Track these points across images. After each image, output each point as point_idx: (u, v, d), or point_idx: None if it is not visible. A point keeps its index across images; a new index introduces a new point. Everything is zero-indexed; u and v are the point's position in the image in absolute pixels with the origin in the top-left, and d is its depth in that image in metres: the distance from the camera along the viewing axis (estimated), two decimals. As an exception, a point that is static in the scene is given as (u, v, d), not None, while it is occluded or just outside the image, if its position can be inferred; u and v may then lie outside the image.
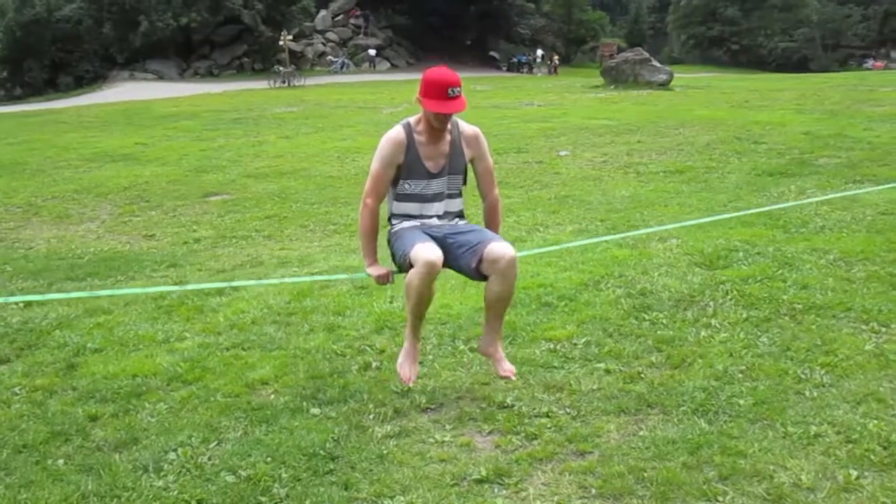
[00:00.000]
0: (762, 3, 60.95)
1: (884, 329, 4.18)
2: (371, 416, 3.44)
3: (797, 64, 54.31)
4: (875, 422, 3.22)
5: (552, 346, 4.17)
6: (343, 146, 12.95)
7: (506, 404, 3.52)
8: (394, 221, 3.65)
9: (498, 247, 3.38)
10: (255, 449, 3.17)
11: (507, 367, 3.64)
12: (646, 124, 13.98)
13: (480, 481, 2.92)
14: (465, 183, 3.71)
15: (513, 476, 2.94)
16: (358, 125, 15.86)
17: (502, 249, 3.38)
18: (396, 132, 3.50)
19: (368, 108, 19.66)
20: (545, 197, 8.37)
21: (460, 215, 3.72)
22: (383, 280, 3.65)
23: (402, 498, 2.81)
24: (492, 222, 3.75)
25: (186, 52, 40.81)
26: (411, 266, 3.37)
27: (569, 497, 2.80)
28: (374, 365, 4.01)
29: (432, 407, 3.54)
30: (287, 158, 11.98)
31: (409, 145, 3.49)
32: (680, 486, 2.81)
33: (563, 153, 11.35)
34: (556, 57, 47.56)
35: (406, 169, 3.52)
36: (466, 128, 3.66)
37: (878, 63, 52.96)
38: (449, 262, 3.49)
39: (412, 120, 3.55)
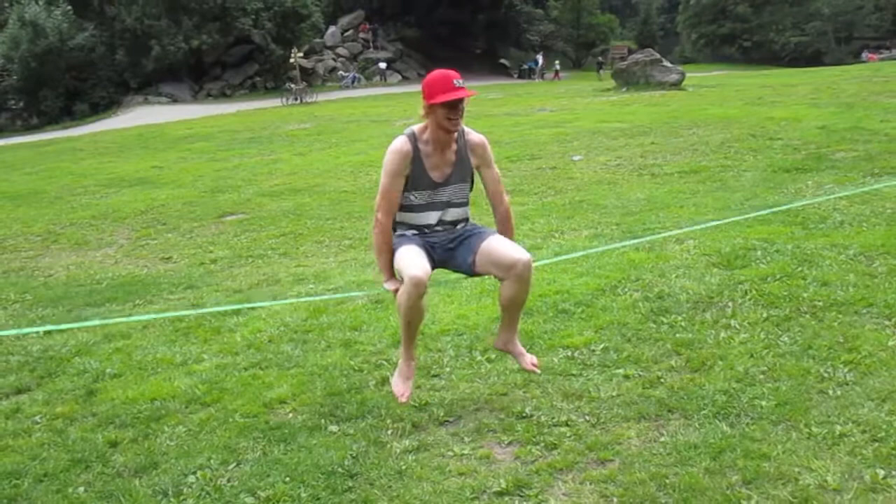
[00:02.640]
0: (773, -2, 60.66)
1: (908, 323, 4.11)
2: (389, 432, 3.42)
3: (810, 58, 53.90)
4: (902, 419, 3.16)
5: (570, 353, 4.14)
6: (356, 160, 12.98)
7: (525, 414, 3.49)
8: (398, 231, 3.61)
9: (511, 252, 3.38)
10: (274, 469, 3.16)
11: (530, 360, 3.65)
12: (659, 125, 13.90)
13: (501, 494, 2.89)
14: (471, 189, 3.68)
15: (533, 487, 2.91)
16: (371, 139, 15.90)
17: (516, 254, 3.37)
18: (401, 143, 3.43)
19: (381, 121, 19.71)
20: (560, 203, 8.34)
21: (465, 221, 3.68)
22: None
23: (422, 514, 2.78)
24: (505, 232, 3.68)
25: (199, 74, 41.15)
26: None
27: (590, 507, 2.77)
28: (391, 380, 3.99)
29: (450, 420, 3.52)
30: (301, 175, 12.02)
31: (415, 156, 3.42)
32: (703, 492, 2.77)
33: (576, 158, 11.31)
34: (556, 62, 47.26)
35: (412, 180, 3.45)
36: (473, 136, 3.60)
37: (872, 55, 52.36)
38: (450, 267, 3.60)
39: (416, 129, 3.46)
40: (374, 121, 19.88)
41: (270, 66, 41.18)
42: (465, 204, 3.65)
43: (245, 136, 18.26)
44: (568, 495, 2.85)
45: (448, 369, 4.08)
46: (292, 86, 33.51)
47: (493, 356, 4.17)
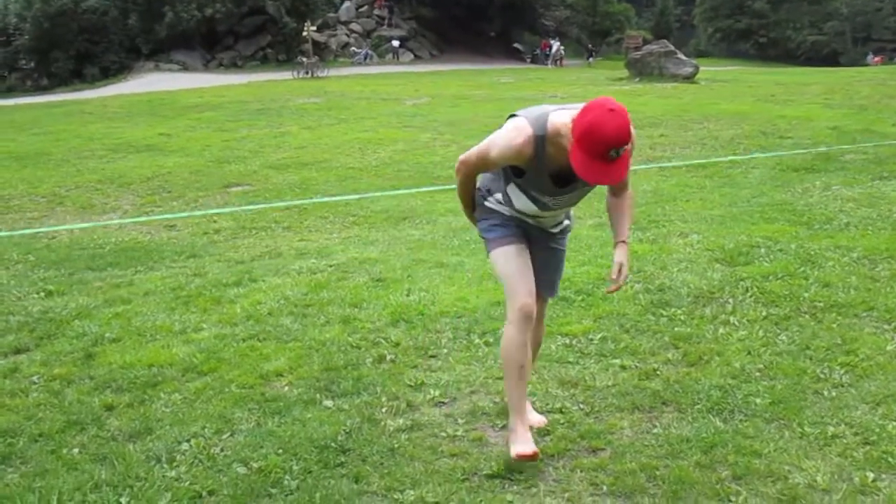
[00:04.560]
0: (792, -5, 60.15)
1: (906, 327, 4.11)
2: (384, 410, 3.44)
3: (826, 58, 53.53)
4: (894, 423, 3.17)
5: (568, 341, 4.15)
6: (365, 137, 12.95)
7: (519, 399, 3.50)
8: (486, 191, 3.05)
9: (550, 299, 3.35)
10: (268, 440, 3.18)
11: (536, 419, 3.23)
12: (670, 118, 13.85)
13: (491, 477, 2.91)
14: None
15: (524, 472, 2.92)
16: (380, 117, 15.85)
17: (547, 302, 3.33)
18: (524, 143, 2.72)
19: (391, 99, 19.65)
20: (566, 190, 8.32)
21: (568, 220, 3.19)
22: None
23: (412, 492, 2.80)
24: (622, 218, 3.02)
25: (211, 43, 40.96)
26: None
27: (579, 494, 2.78)
28: (388, 357, 4.01)
29: (445, 401, 3.54)
30: (309, 150, 12.00)
31: (537, 160, 2.76)
32: (692, 486, 2.78)
33: (584, 146, 11.26)
34: (560, 47, 46.41)
35: (523, 178, 2.86)
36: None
37: (877, 58, 51.96)
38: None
39: (550, 129, 2.70)
40: (384, 99, 19.81)
41: (283, 39, 40.97)
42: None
43: (254, 107, 18.22)
44: (558, 482, 2.87)
45: (445, 351, 4.09)
46: (304, 59, 33.36)
47: (490, 339, 4.18)
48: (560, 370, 3.80)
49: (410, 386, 3.68)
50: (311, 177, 9.87)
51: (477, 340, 4.20)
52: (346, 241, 6.63)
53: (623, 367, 3.80)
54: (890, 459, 2.93)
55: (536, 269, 3.01)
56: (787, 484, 2.79)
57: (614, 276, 2.93)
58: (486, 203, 3.05)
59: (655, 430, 3.20)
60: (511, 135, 2.77)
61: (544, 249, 3.11)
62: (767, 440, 3.08)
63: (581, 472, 2.92)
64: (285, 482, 2.88)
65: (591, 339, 4.15)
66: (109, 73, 37.63)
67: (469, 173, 3.01)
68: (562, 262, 3.22)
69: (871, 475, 2.83)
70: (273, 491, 2.84)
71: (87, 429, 3.35)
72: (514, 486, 2.85)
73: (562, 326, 4.33)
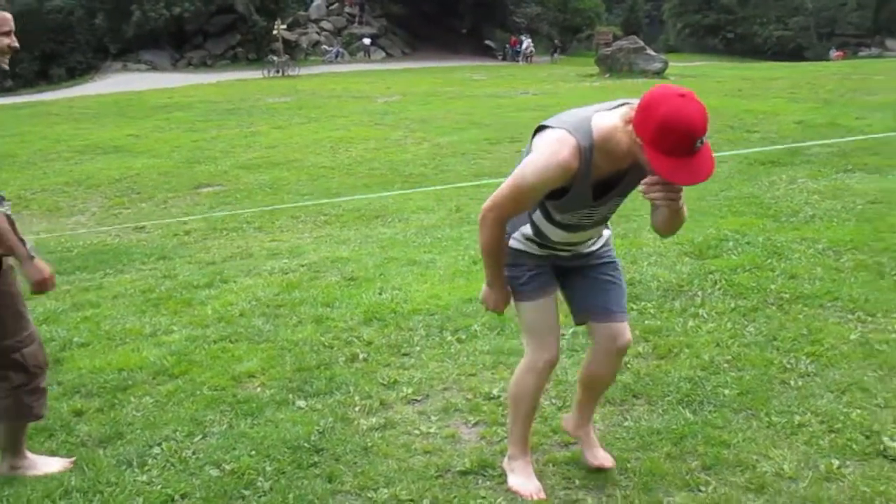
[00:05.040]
0: (758, -9, 60.80)
1: (870, 318, 4.19)
2: (357, 409, 3.44)
3: (792, 52, 54.12)
4: (858, 411, 3.23)
5: (539, 336, 4.17)
6: (336, 136, 12.92)
7: (492, 395, 3.52)
8: (515, 237, 2.66)
9: (619, 326, 2.69)
10: (240, 442, 3.17)
11: (602, 456, 2.90)
12: (639, 113, 13.94)
13: (465, 473, 2.92)
14: None
15: (497, 468, 2.94)
16: (352, 115, 15.82)
17: (623, 330, 2.70)
18: (569, 157, 2.30)
19: (363, 97, 19.61)
20: (537, 187, 8.35)
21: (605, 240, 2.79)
22: (497, 308, 2.73)
23: (385, 490, 2.81)
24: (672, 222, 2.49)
25: (180, 43, 40.59)
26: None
27: (552, 488, 2.81)
28: (361, 356, 4.01)
29: (418, 398, 3.55)
30: (280, 149, 11.94)
31: (582, 175, 2.35)
32: (663, 477, 2.82)
33: (555, 143, 11.33)
34: (530, 44, 46.52)
35: (565, 198, 2.44)
36: None
37: (839, 53, 52.82)
38: (562, 288, 2.77)
39: (597, 135, 2.30)
40: (355, 97, 19.77)
41: (253, 37, 40.70)
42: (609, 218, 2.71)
43: (224, 107, 18.09)
44: (509, 484, 2.88)
45: (418, 348, 4.10)
46: (275, 58, 33.19)
47: (462, 336, 4.20)
48: (532, 366, 3.82)
49: (383, 384, 3.68)
50: (282, 176, 9.83)
51: (449, 338, 4.22)
52: (317, 240, 6.61)
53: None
54: (854, 446, 2.98)
55: (586, 296, 2.71)
56: (755, 473, 2.83)
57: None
58: (512, 243, 2.65)
59: (626, 423, 3.23)
60: (552, 149, 2.31)
61: (589, 271, 2.72)
62: (736, 430, 3.12)
63: (554, 465, 2.95)
64: (258, 483, 2.88)
65: (563, 335, 4.17)
66: (76, 73, 37.18)
67: (500, 220, 2.47)
68: (616, 277, 2.74)
69: (836, 462, 2.88)
70: (246, 492, 2.83)
71: (55, 435, 3.32)
72: (488, 482, 2.87)
73: (533, 322, 4.35)
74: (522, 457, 2.83)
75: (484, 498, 2.75)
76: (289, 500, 2.75)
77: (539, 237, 2.61)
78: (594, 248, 2.72)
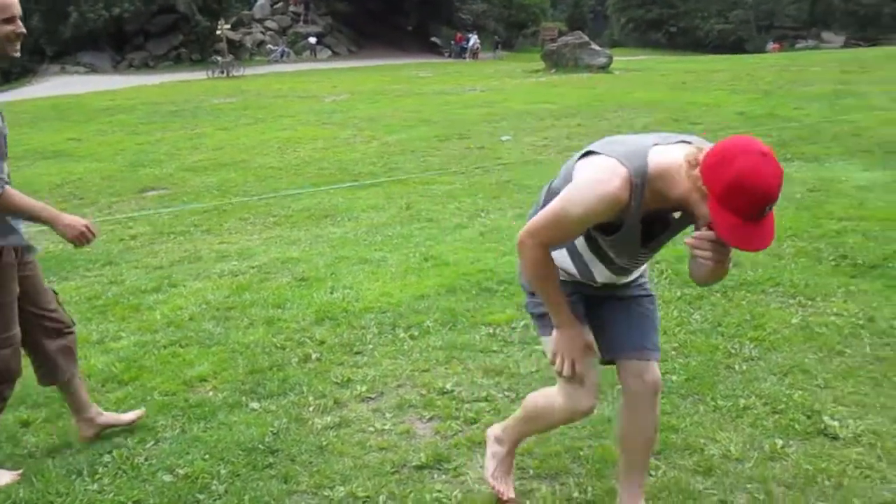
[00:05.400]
0: (699, -15, 61.94)
1: (810, 303, 4.33)
2: (311, 408, 3.44)
3: (733, 45, 55.23)
4: (800, 392, 3.34)
5: (492, 330, 4.22)
6: (284, 136, 12.82)
7: (445, 390, 3.55)
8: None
9: (649, 364, 2.41)
10: (193, 446, 3.15)
11: None
12: (586, 108, 14.13)
13: (420, 468, 2.94)
14: None
15: (452, 461, 2.97)
16: (299, 115, 15.70)
17: (652, 368, 2.41)
18: (621, 188, 2.04)
19: (310, 97, 19.47)
20: (487, 182, 8.41)
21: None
22: (575, 354, 2.33)
23: (342, 488, 2.82)
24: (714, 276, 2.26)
25: (120, 44, 39.80)
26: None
27: (506, 479, 2.84)
28: (314, 356, 4.00)
29: (372, 396, 3.56)
30: (226, 150, 11.80)
31: (631, 210, 2.09)
32: (615, 463, 2.87)
33: (504, 138, 11.41)
34: (473, 39, 46.67)
35: (617, 235, 2.18)
36: None
37: (775, 45, 54.25)
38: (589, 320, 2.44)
39: (652, 171, 2.05)
40: (302, 97, 19.63)
41: (196, 38, 40.11)
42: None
43: (168, 108, 17.80)
44: (486, 468, 2.92)
45: (371, 346, 4.11)
46: (219, 58, 32.79)
47: (415, 333, 4.22)
48: (485, 359, 3.86)
49: (337, 383, 3.69)
50: (229, 178, 9.72)
51: (402, 335, 4.23)
52: (267, 241, 6.56)
53: (546, 354, 3.88)
54: (797, 426, 3.09)
55: (618, 331, 2.43)
56: (703, 456, 2.91)
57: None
58: None
59: (578, 413, 3.28)
60: (600, 177, 2.06)
61: (621, 302, 2.46)
62: (683, 415, 3.20)
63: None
64: (213, 487, 2.86)
65: (514, 328, 4.23)
66: (11, 77, 36.16)
67: (541, 246, 2.20)
68: (653, 311, 2.49)
69: (780, 442, 2.98)
70: (201, 497, 2.81)
71: (1, 447, 3.25)
72: (443, 476, 2.90)
73: (485, 316, 4.40)
74: (509, 451, 2.73)
75: (440, 491, 2.78)
76: (244, 502, 2.75)
77: (580, 273, 2.36)
78: (630, 278, 2.45)
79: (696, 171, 1.95)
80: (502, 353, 3.93)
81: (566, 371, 2.32)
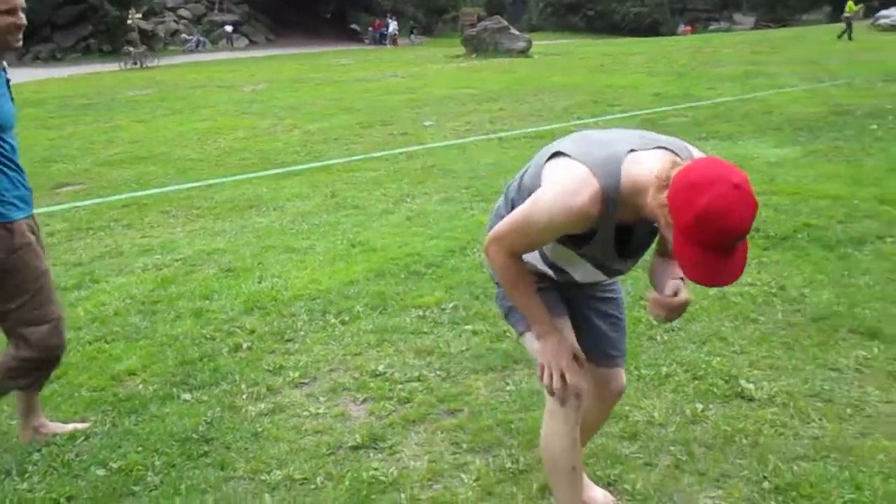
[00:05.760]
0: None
1: (725, 273, 4.52)
2: (244, 396, 3.44)
3: (648, 28, 56.45)
4: (718, 359, 3.51)
5: (421, 312, 4.27)
6: (203, 127, 12.58)
7: (378, 372, 3.60)
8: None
9: (617, 371, 2.37)
10: (126, 440, 3.11)
11: (599, 498, 2.57)
12: (506, 92, 14.28)
13: (356, 448, 2.99)
14: None
15: (387, 440, 3.02)
16: (218, 105, 15.42)
17: (619, 376, 2.39)
18: (590, 203, 1.87)
19: (228, 86, 19.14)
20: (411, 168, 8.45)
21: None
22: (561, 363, 2.13)
23: (278, 472, 2.84)
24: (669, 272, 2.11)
25: (25, 36, 38.23)
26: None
27: (441, 454, 2.91)
28: (244, 346, 3.99)
29: (305, 381, 3.58)
30: (143, 143, 11.52)
31: (603, 224, 1.93)
32: (545, 434, 2.97)
33: (427, 123, 11.46)
34: (392, 26, 46.53)
35: (588, 247, 2.02)
36: None
37: (687, 28, 55.86)
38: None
39: (625, 186, 1.87)
40: (220, 86, 19.27)
41: (106, 28, 38.84)
42: None
43: (80, 101, 17.25)
44: (420, 445, 2.99)
45: (302, 333, 4.12)
46: (131, 49, 31.85)
47: (346, 318, 4.24)
48: (416, 341, 3.92)
49: (269, 371, 3.69)
50: (148, 171, 9.50)
51: (333, 320, 4.26)
52: (191, 234, 6.47)
53: (475, 333, 3.97)
54: (716, 391, 3.24)
55: (584, 336, 2.29)
56: (628, 422, 3.03)
57: (663, 304, 2.01)
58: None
59: (509, 388, 3.38)
60: (569, 188, 1.88)
61: (590, 305, 2.33)
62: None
63: (442, 433, 3.06)
64: (148, 478, 2.84)
65: (444, 309, 4.30)
66: None
67: (507, 252, 2.05)
68: (620, 315, 2.38)
69: (700, 406, 3.13)
70: (136, 488, 2.79)
71: (-77, 450, 3.16)
72: (379, 455, 2.94)
73: (415, 299, 4.45)
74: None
75: (377, 469, 2.82)
76: (181, 492, 2.74)
77: (557, 276, 2.19)
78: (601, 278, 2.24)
79: (664, 196, 1.76)
80: (433, 334, 3.99)
81: (556, 384, 2.13)
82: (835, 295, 4.24)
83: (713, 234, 1.69)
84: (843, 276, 4.50)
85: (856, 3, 32.21)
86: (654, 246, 2.20)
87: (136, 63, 30.53)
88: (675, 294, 2.02)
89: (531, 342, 2.21)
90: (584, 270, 2.13)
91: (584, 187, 1.86)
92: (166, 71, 26.37)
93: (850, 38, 25.49)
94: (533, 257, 2.16)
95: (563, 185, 1.90)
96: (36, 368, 3.02)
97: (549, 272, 2.19)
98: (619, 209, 1.89)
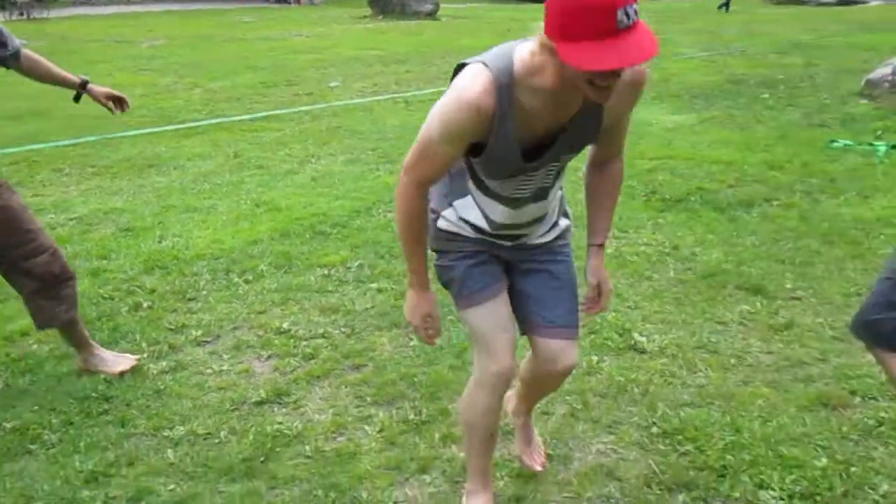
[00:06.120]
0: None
1: (623, 235, 4.72)
2: (145, 355, 3.39)
3: (554, -6, 56.91)
4: (613, 314, 3.66)
5: (326, 271, 4.29)
6: (98, 83, 12.04)
7: (283, 330, 3.61)
8: (444, 215, 2.09)
9: (561, 344, 2.15)
10: (20, 400, 3.04)
11: (534, 457, 2.56)
12: (413, 54, 14.22)
13: (260, 403, 3.00)
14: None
15: (292, 395, 3.05)
16: (115, 60, 14.79)
17: (565, 352, 2.16)
18: (480, 94, 1.74)
19: (125, 41, 18.35)
20: (317, 129, 8.36)
21: (553, 219, 2.15)
22: (423, 322, 2.12)
23: (181, 427, 2.83)
24: (604, 203, 2.16)
25: None
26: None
27: (346, 407, 2.96)
28: (145, 305, 3.92)
29: (209, 339, 3.56)
30: (34, 100, 10.96)
31: (502, 118, 1.78)
32: (447, 386, 3.06)
33: (333, 84, 11.32)
34: None
35: (486, 154, 1.86)
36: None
37: None
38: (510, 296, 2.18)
39: (518, 68, 1.75)
40: (116, 41, 18.46)
41: (-11, -24, 36.53)
42: (560, 187, 2.11)
43: (-38, 53, 16.23)
44: (325, 399, 3.03)
45: (205, 292, 4.08)
46: (17, -1, 30.09)
47: (249, 277, 4.22)
48: (321, 299, 3.94)
49: (171, 329, 3.65)
50: (39, 128, 9.08)
51: (236, 279, 4.22)
52: (86, 192, 6.24)
53: (380, 290, 4.01)
54: (610, 343, 3.40)
55: (526, 302, 2.16)
56: (527, 374, 3.14)
57: (590, 298, 2.18)
58: (440, 225, 2.10)
59: (412, 343, 3.45)
60: (460, 85, 1.77)
61: (533, 269, 2.16)
62: (510, 340, 3.42)
63: (346, 387, 3.10)
64: (45, 437, 2.79)
65: (349, 268, 4.32)
66: None
67: (415, 185, 1.93)
68: (570, 281, 2.18)
69: (595, 358, 3.27)
70: (33, 447, 2.74)
71: None
72: (284, 409, 2.97)
73: (320, 258, 4.46)
74: (483, 491, 2.32)
75: (281, 423, 2.85)
76: (80, 449, 2.70)
77: (477, 215, 2.05)
78: (544, 239, 2.14)
79: (543, 36, 1.65)
80: (338, 293, 4.02)
81: (421, 335, 2.15)
82: (724, 254, 4.46)
83: (589, 13, 1.52)
84: (731, 237, 4.74)
85: None
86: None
87: (21, 13, 28.87)
88: (598, 288, 2.18)
89: (464, 317, 2.15)
90: (494, 208, 2.00)
91: (474, 81, 1.75)
92: (57, 24, 25.05)
93: (727, 9, 25.89)
94: (466, 202, 2.04)
95: (456, 84, 1.79)
96: (54, 297, 3.07)
97: (480, 218, 2.04)
98: (520, 99, 1.76)
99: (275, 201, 5.60)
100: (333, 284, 4.11)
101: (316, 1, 44.96)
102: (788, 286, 4.02)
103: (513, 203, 1.99)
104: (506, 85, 1.74)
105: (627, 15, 1.53)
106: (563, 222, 2.18)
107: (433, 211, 2.09)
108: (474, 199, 2.03)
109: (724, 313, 3.74)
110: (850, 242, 4.60)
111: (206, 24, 23.12)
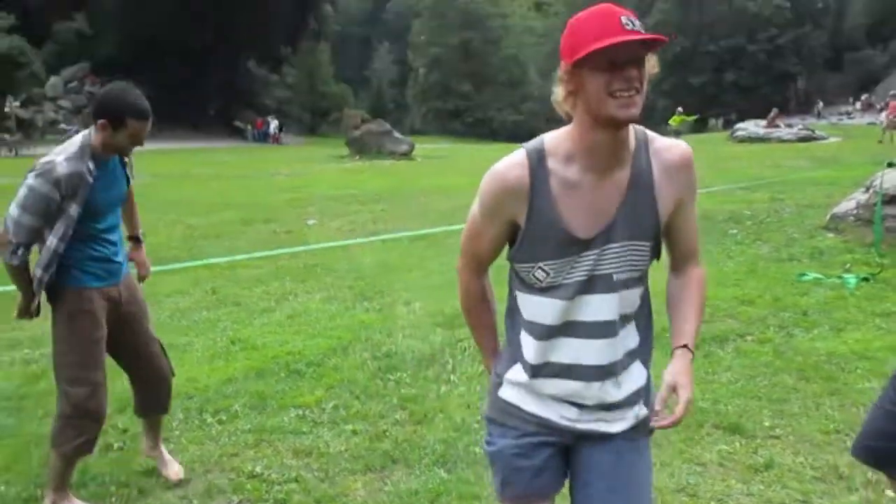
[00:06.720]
0: (493, 80, 66.14)
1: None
2: (113, 499, 3.33)
3: (527, 135, 58.21)
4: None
5: (301, 412, 4.27)
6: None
7: (255, 473, 3.56)
8: (509, 375, 1.93)
9: None
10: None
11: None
12: (389, 193, 14.60)
13: (231, 552, 2.94)
14: (657, 257, 1.90)
15: (263, 543, 2.99)
16: (94, 197, 15.02)
17: None
18: (509, 165, 1.76)
19: (105, 178, 18.68)
20: (294, 266, 8.47)
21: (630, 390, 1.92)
22: None
23: (148, 579, 2.75)
24: (687, 310, 1.98)
25: None
26: None
27: None
28: (115, 446, 3.87)
29: (179, 484, 3.49)
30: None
31: (538, 190, 1.74)
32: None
33: (310, 222, 11.55)
34: (273, 125, 47.04)
35: (527, 234, 1.78)
36: (666, 144, 1.81)
37: None
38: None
39: (548, 139, 1.78)
40: (97, 178, 18.79)
41: (-21, 114, 37.39)
42: (639, 297, 1.93)
43: (-57, 189, 16.42)
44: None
45: (177, 433, 4.03)
46: (7, 137, 30.84)
47: (223, 417, 4.19)
48: (295, 441, 3.90)
49: (141, 472, 3.58)
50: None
51: (210, 419, 4.19)
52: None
53: (355, 432, 3.99)
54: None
55: (591, 495, 1.88)
56: None
57: (660, 405, 1.79)
58: (500, 395, 1.93)
59: (387, 488, 3.41)
60: (495, 165, 1.79)
61: (602, 448, 1.90)
62: (486, 484, 3.38)
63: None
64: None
65: (324, 409, 4.31)
66: None
67: (470, 269, 1.95)
68: (644, 472, 1.94)
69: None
70: None
71: None
72: (254, 558, 2.90)
73: (295, 398, 4.44)
74: None
75: (252, 573, 2.78)
76: None
77: (533, 356, 1.86)
78: (620, 396, 1.88)
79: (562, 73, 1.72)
80: (312, 434, 3.99)
81: None
82: (700, 392, 4.48)
83: (579, 28, 1.64)
84: (707, 374, 4.78)
85: (688, 115, 34.54)
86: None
87: (11, 151, 29.52)
88: (673, 391, 1.81)
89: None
90: (540, 311, 1.83)
91: (508, 157, 1.78)
92: (40, 160, 25.51)
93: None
94: (512, 341, 1.92)
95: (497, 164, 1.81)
96: (74, 428, 3.11)
97: (529, 364, 1.85)
98: (549, 167, 1.74)
99: (251, 339, 5.61)
100: (308, 425, 4.09)
101: (294, 141, 46.39)
102: (766, 424, 4.03)
103: (567, 330, 1.81)
104: (538, 158, 1.74)
105: (631, 21, 1.60)
106: (639, 372, 1.93)
107: (497, 375, 1.95)
108: (524, 313, 1.87)
109: (703, 453, 3.73)
110: (826, 378, 4.64)
111: (189, 163, 23.69)
